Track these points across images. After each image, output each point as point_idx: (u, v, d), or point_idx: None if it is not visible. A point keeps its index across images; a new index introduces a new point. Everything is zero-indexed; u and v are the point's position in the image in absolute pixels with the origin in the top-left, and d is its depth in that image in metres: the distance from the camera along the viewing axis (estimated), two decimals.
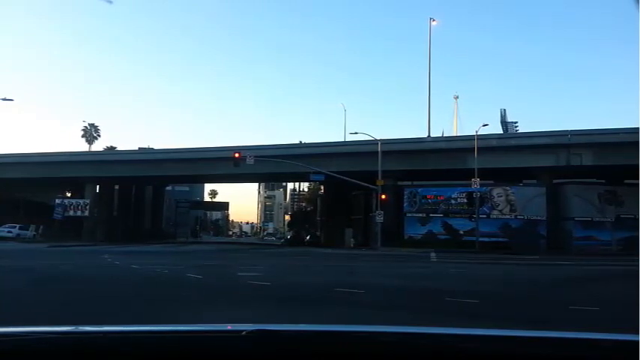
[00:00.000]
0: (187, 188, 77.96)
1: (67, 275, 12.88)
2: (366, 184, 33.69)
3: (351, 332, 1.61)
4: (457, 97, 60.16)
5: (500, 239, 30.92)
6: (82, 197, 43.65)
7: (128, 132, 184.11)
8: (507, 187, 32.50)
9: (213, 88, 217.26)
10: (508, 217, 32.00)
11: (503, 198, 32.39)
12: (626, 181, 32.44)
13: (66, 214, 41.46)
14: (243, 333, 1.37)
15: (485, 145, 31.73)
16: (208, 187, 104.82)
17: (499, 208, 32.31)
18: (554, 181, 32.21)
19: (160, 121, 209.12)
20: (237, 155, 32.26)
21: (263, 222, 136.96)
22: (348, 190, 40.50)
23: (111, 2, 39.56)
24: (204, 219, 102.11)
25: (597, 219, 30.60)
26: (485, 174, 31.26)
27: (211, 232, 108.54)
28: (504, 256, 24.31)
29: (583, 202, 30.89)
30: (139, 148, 60.28)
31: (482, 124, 32.43)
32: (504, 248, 28.90)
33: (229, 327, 1.59)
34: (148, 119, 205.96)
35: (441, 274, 15.02)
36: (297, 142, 46.51)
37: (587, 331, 1.48)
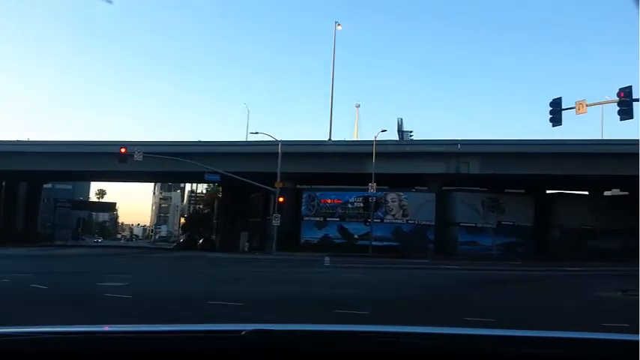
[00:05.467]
0: (70, 186, 71.34)
1: None
2: (264, 186, 32.81)
3: (351, 332, 1.63)
4: (359, 106, 62.57)
5: (392, 243, 31.63)
6: None
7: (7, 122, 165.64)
8: (401, 193, 33.43)
9: (111, 83, 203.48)
10: (400, 221, 32.89)
11: (396, 203, 33.25)
12: (507, 190, 34.99)
13: None
14: (243, 333, 1.38)
15: (383, 150, 32.39)
16: (96, 185, 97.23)
17: (392, 212, 33.12)
18: (444, 188, 33.71)
19: (53, 118, 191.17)
20: (123, 150, 29.69)
21: (156, 224, 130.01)
22: (247, 193, 39.30)
23: (111, 2, 37.90)
24: (88, 220, 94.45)
25: (480, 225, 32.51)
26: (382, 179, 31.88)
27: (97, 235, 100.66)
28: (395, 259, 24.72)
29: (468, 209, 32.66)
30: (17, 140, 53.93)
31: (380, 130, 33.13)
32: (396, 252, 29.54)
33: (229, 327, 1.62)
34: (33, 110, 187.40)
35: (331, 279, 14.57)
36: (197, 140, 44.37)
37: (587, 331, 1.49)
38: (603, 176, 30.87)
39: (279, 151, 32.53)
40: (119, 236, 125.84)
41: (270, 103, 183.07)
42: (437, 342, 1.46)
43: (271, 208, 32.90)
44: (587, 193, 37.81)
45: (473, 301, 10.29)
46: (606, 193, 38.70)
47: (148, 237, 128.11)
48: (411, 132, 52.75)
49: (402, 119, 48.34)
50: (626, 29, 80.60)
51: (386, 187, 33.36)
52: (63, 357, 1.34)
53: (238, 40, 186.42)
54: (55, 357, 1.34)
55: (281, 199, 31.86)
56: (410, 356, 1.37)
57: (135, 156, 30.88)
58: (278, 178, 32.48)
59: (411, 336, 1.52)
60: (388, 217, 33.12)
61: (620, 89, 18.28)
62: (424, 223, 32.34)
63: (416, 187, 34.59)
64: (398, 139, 46.03)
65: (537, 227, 33.39)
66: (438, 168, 33.15)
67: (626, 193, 38.36)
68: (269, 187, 32.66)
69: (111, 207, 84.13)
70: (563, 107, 20.44)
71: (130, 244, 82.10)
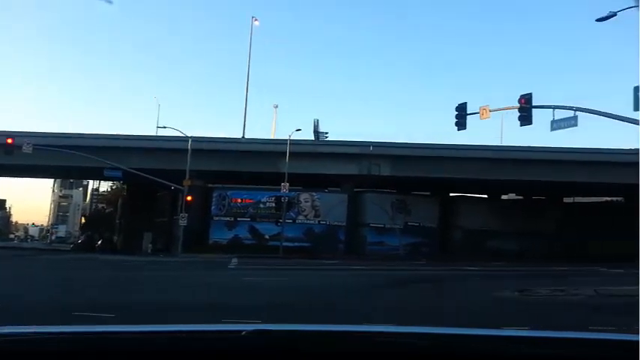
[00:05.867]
0: None
1: None
2: (171, 184, 31.14)
3: (350, 332, 1.63)
4: (277, 106, 62.34)
5: (303, 244, 31.38)
6: None
7: None
8: (314, 193, 33.28)
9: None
10: (312, 222, 32.74)
11: (309, 203, 33.06)
12: (414, 192, 36.12)
13: None
14: (243, 333, 1.38)
15: (297, 150, 32.04)
16: None
17: (305, 213, 32.88)
18: (356, 189, 34.06)
19: None
20: (9, 141, 26.66)
21: (53, 224, 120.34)
22: (154, 191, 37.12)
23: (111, 2, 36.91)
24: None
25: (389, 226, 33.23)
26: (296, 179, 31.53)
27: None
28: (306, 260, 24.47)
29: (378, 210, 33.26)
30: None
31: (295, 129, 32.76)
32: (307, 253, 29.30)
33: (229, 327, 1.62)
34: None
35: (231, 283, 13.81)
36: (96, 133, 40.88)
37: (587, 331, 1.56)
38: (502, 181, 32.78)
39: (189, 147, 31.04)
40: (12, 236, 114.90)
41: (187, 99, 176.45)
42: (436, 342, 1.48)
43: (179, 208, 31.29)
44: (486, 196, 40.07)
45: (377, 305, 10.10)
46: (503, 196, 41.32)
47: (44, 237, 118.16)
48: (326, 133, 53.18)
49: (318, 120, 48.31)
50: (535, 39, 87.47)
51: (300, 188, 33.07)
52: (63, 357, 1.35)
53: (154, 31, 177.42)
54: (55, 357, 1.35)
55: (189, 198, 30.40)
56: (410, 356, 1.38)
57: (24, 148, 27.93)
58: (187, 176, 30.97)
59: (410, 336, 1.53)
60: (300, 217, 32.83)
61: (521, 96, 19.26)
62: (336, 223, 32.44)
63: (329, 188, 34.61)
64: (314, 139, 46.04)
65: (441, 228, 34.78)
66: (351, 169, 33.42)
67: (521, 197, 41.29)
68: (177, 186, 31.06)
69: (0, 204, 76.50)
70: (468, 112, 21.26)
71: (24, 245, 75.17)
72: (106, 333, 1.52)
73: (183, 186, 30.86)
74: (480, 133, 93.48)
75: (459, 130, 21.65)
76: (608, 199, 41.01)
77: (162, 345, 1.41)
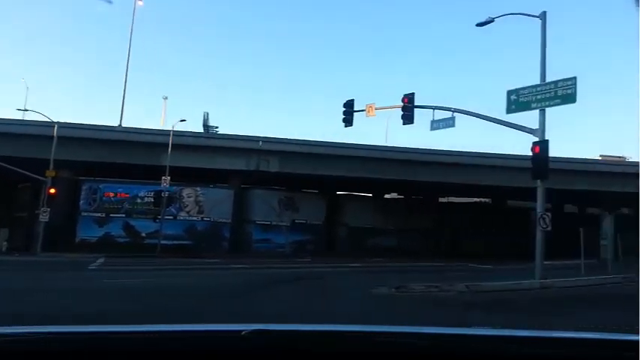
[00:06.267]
0: None
1: None
2: (32, 175, 27.52)
3: (350, 332, 1.61)
4: (166, 98, 59.45)
5: (184, 242, 29.63)
6: None
7: None
8: (198, 188, 31.58)
9: None
10: (195, 218, 31.05)
11: (192, 199, 31.31)
12: (303, 190, 35.99)
13: None
14: (243, 333, 1.38)
15: (182, 142, 30.15)
16: None
17: (187, 209, 31.07)
18: (243, 185, 33.01)
19: None
20: None
21: None
22: (14, 182, 32.71)
23: (111, 2, 34.88)
24: None
25: (275, 223, 32.64)
26: (180, 173, 29.68)
27: None
28: (184, 260, 23.06)
29: (265, 207, 32.53)
30: None
31: (179, 120, 30.82)
32: (188, 251, 27.67)
33: (229, 327, 1.61)
34: None
35: (85, 287, 12.14)
36: None
37: (587, 331, 1.55)
38: (386, 180, 33.78)
39: (55, 134, 27.70)
40: None
41: (66, 87, 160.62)
42: (436, 342, 1.48)
43: (41, 202, 27.79)
44: (371, 195, 41.26)
45: (245, 306, 9.35)
46: (387, 195, 42.87)
47: None
48: (217, 127, 51.37)
49: (208, 113, 46.35)
50: (419, 41, 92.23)
51: (184, 182, 31.21)
52: (63, 357, 1.34)
53: (30, 10, 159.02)
54: (55, 357, 1.35)
55: (52, 191, 27.11)
56: (409, 356, 1.38)
57: None
58: (51, 166, 27.60)
59: (410, 336, 1.54)
60: (182, 214, 30.96)
61: (404, 95, 19.67)
62: (221, 220, 31.08)
63: (215, 184, 33.13)
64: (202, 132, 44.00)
65: (327, 226, 35.03)
66: (239, 164, 32.26)
67: (402, 196, 43.17)
68: (40, 177, 27.55)
69: None
70: (355, 109, 21.33)
71: None
72: (106, 333, 1.52)
73: (45, 177, 27.46)
74: (372, 133, 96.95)
75: (345, 126, 21.68)
76: (477, 199, 44.51)
77: (162, 345, 1.41)
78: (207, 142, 32.98)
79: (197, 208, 31.26)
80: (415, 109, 19.76)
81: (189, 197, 31.34)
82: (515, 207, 39.41)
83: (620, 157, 40.92)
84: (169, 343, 1.41)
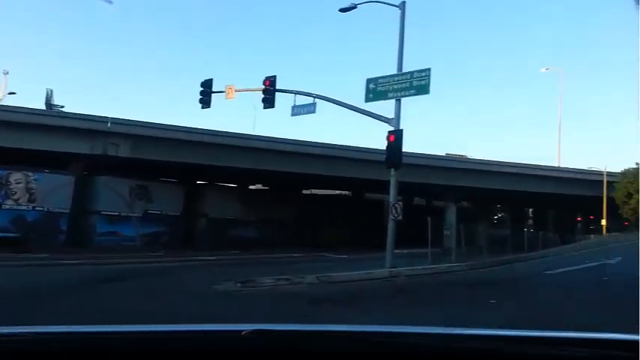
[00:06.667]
0: None
1: None
2: None
3: (351, 332, 1.59)
4: (7, 73, 51.56)
5: (10, 234, 25.34)
6: None
7: None
8: (29, 173, 27.22)
9: None
10: (25, 208, 26.75)
11: (22, 185, 26.90)
12: (160, 179, 33.24)
13: None
14: (243, 333, 1.37)
15: (8, 119, 25.77)
16: None
17: (15, 197, 26.62)
18: (86, 172, 29.33)
19: None
20: None
21: None
22: None
23: (111, 2, 30.81)
24: None
25: (125, 214, 29.58)
26: (8, 155, 25.30)
27: None
28: (8, 255, 19.66)
29: (114, 196, 29.29)
30: None
31: (7, 92, 26.22)
32: (14, 245, 23.66)
33: (229, 327, 1.60)
34: None
35: None
36: None
37: (587, 331, 1.48)
38: (250, 170, 32.57)
39: None
40: None
41: None
42: (436, 342, 1.47)
43: None
44: (235, 185, 39.84)
45: (55, 309, 7.58)
46: (251, 186, 41.80)
47: None
48: (62, 106, 45.61)
49: (52, 90, 40.67)
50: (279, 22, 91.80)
51: (12, 166, 26.68)
52: (63, 357, 1.33)
53: None
54: (55, 357, 1.33)
55: None
56: (410, 356, 1.37)
57: None
58: None
59: (410, 336, 1.52)
60: (9, 202, 26.46)
61: (266, 77, 18.67)
62: (57, 210, 27.17)
63: (52, 169, 28.92)
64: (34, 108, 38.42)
65: (186, 217, 32.86)
66: (82, 147, 28.50)
67: (267, 187, 42.43)
68: None
69: None
70: (213, 90, 19.80)
71: None
72: (106, 333, 1.50)
73: None
74: (241, 120, 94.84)
75: (202, 107, 20.14)
76: (339, 192, 45.61)
77: (162, 345, 1.40)
78: (43, 119, 28.59)
79: (27, 195, 26.94)
80: (278, 94, 18.92)
81: (17, 183, 26.88)
82: (372, 199, 40.98)
83: (462, 155, 44.92)
84: (169, 343, 1.41)
